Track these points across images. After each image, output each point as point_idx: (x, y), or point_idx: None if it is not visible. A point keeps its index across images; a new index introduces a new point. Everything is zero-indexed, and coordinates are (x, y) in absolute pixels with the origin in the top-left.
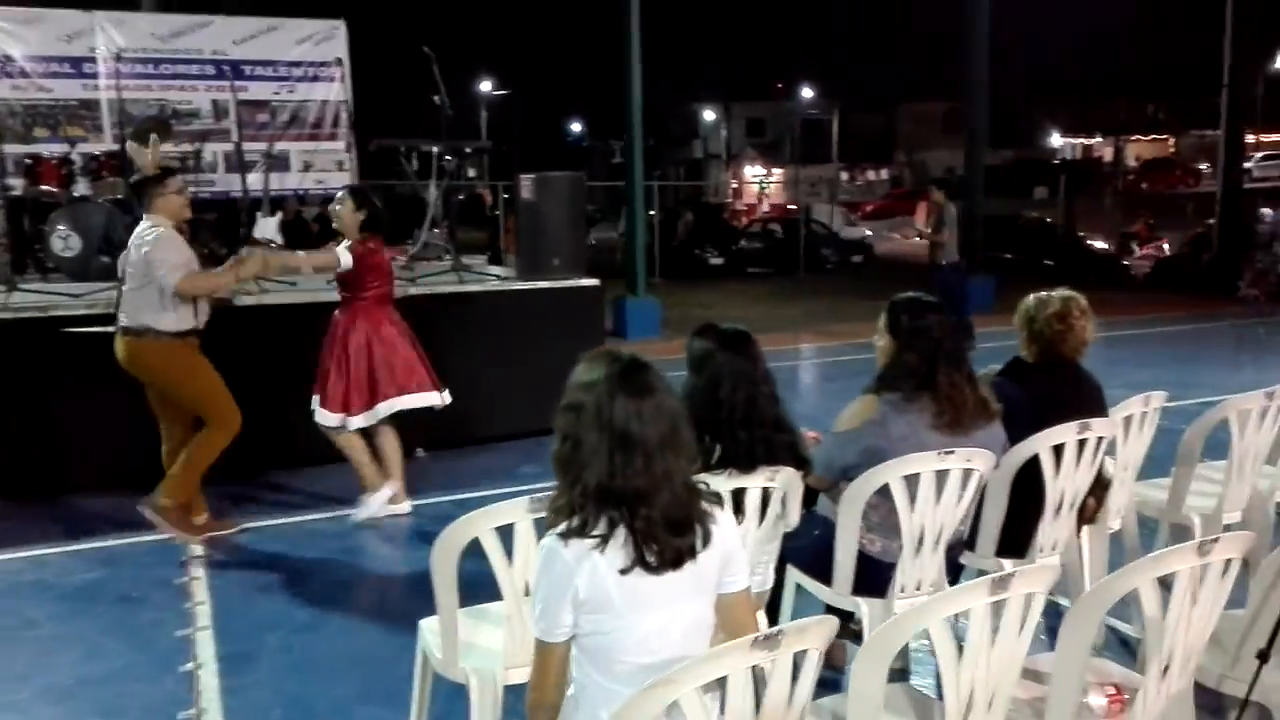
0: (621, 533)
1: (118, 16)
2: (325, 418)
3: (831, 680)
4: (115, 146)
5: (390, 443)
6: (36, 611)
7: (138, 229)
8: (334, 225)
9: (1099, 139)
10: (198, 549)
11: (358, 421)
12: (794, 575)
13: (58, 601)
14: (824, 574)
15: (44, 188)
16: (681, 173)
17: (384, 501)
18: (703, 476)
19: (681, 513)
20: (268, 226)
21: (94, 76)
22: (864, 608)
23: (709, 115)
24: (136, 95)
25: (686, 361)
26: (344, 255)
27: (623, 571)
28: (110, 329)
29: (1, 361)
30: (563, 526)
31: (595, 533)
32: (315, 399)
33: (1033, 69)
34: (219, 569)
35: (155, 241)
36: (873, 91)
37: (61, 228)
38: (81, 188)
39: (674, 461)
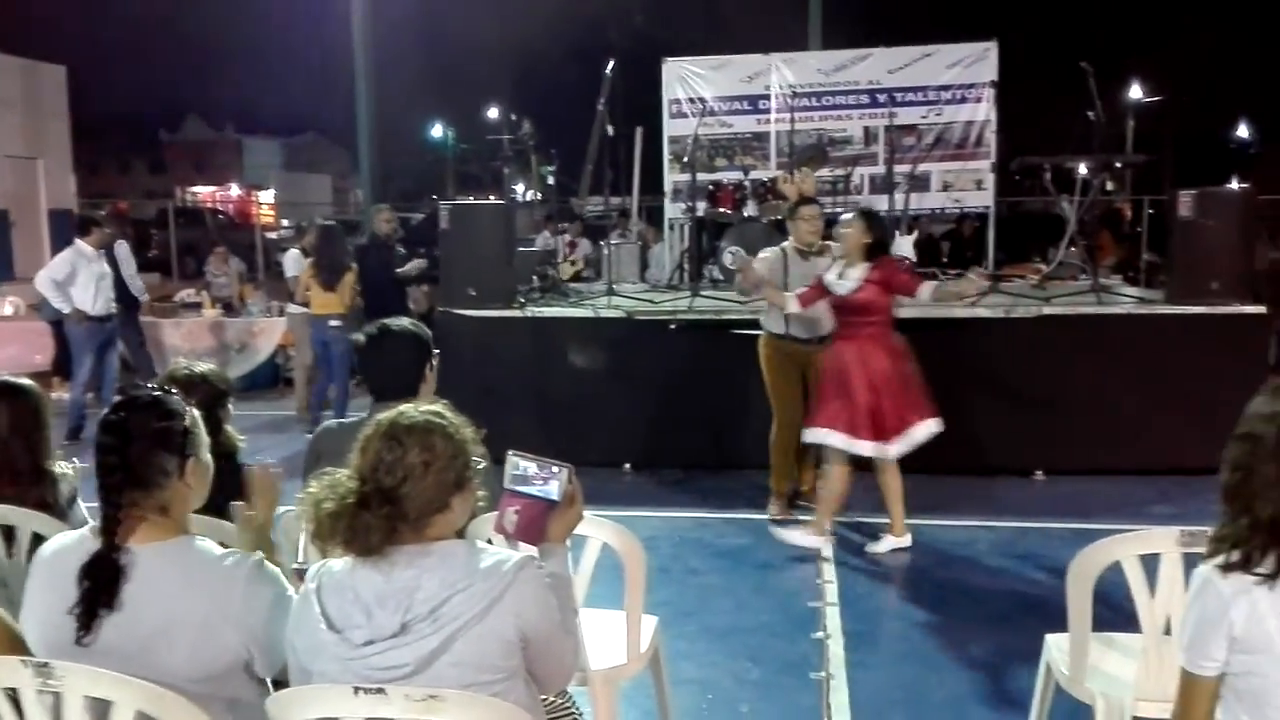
0: None
1: (790, 57)
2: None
3: None
4: (779, 173)
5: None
6: (698, 563)
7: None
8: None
9: None
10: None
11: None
12: None
13: (715, 557)
14: None
15: (720, 210)
16: None
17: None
18: None
19: None
20: (904, 245)
21: (766, 112)
22: None
23: None
24: (800, 127)
25: None
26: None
27: None
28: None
29: (688, 353)
30: (1222, 558)
31: (1260, 570)
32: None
33: None
34: (845, 555)
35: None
36: None
37: (731, 245)
38: (749, 210)
39: None
